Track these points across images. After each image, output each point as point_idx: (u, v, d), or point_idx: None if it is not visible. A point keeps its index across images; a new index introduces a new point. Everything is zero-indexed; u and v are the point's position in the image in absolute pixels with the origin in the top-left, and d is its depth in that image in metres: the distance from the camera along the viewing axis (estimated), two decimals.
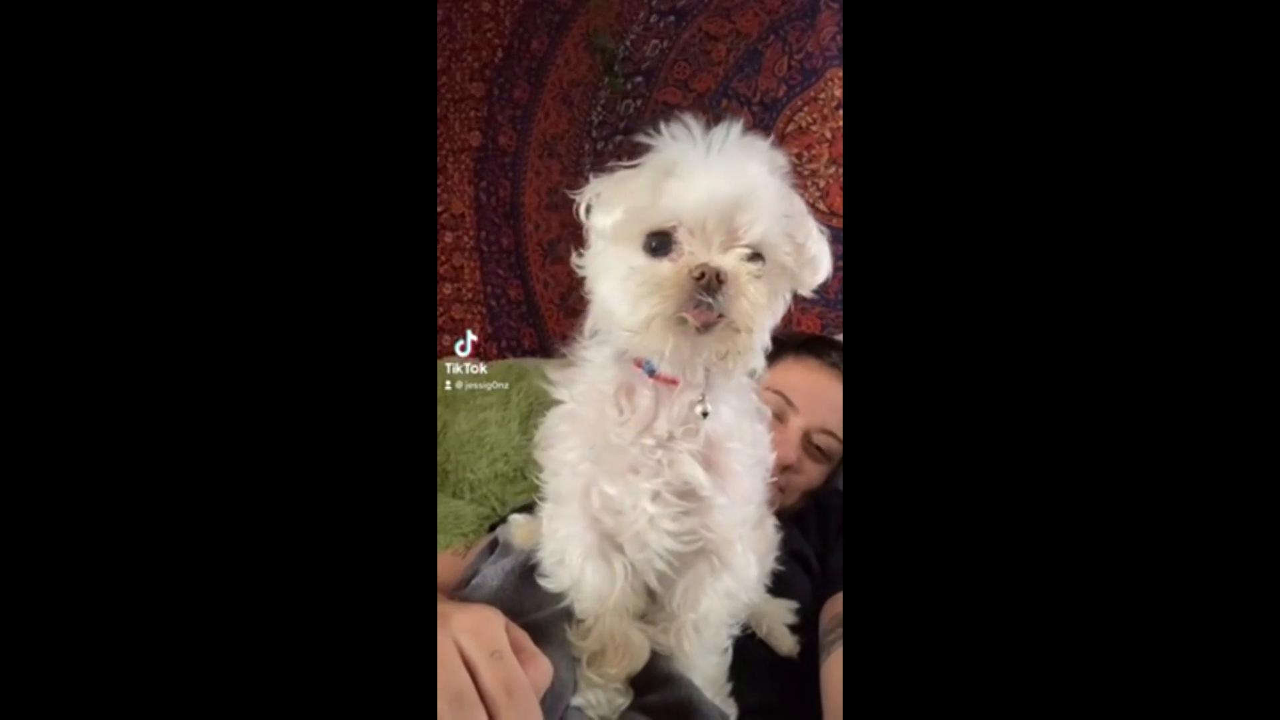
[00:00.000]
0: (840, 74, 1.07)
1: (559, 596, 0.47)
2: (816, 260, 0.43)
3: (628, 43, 1.21)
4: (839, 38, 1.07)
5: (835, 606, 0.55)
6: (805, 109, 1.10)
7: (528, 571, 0.50)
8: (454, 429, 0.99)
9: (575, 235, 0.45)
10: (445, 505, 0.93)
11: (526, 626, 0.37)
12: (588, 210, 0.43)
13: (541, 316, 1.32)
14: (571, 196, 0.44)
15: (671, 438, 0.43)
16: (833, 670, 0.49)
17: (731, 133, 0.40)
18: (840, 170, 1.08)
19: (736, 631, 0.49)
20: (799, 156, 1.10)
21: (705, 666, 0.47)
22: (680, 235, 0.40)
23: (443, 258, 1.39)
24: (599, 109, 1.23)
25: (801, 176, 1.10)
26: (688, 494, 0.43)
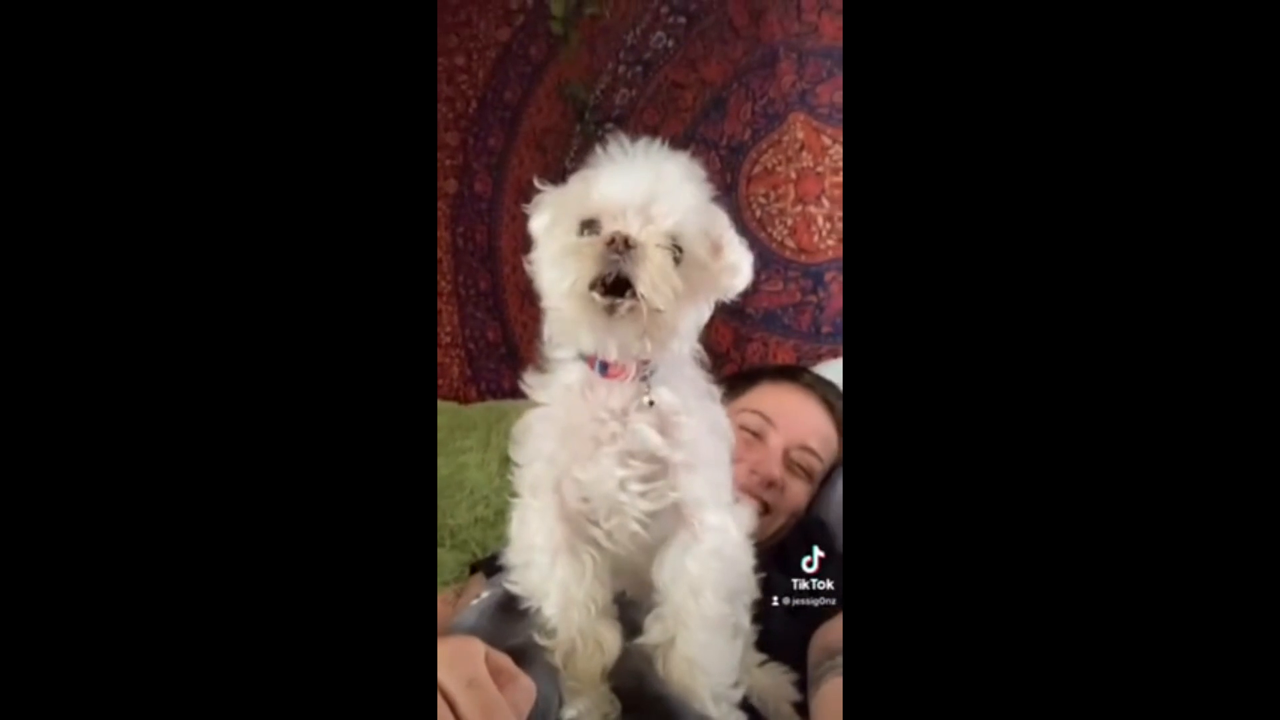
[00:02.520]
0: (802, 118, 1.12)
1: (537, 623, 0.48)
2: (735, 265, 0.48)
3: (598, 92, 1.25)
4: (798, 85, 1.12)
5: (823, 638, 0.55)
6: (770, 151, 1.14)
7: (504, 605, 0.50)
8: None
9: None
10: None
11: (506, 652, 0.37)
12: (532, 215, 0.50)
13: (521, 358, 1.33)
14: (525, 210, 0.50)
15: (625, 413, 0.47)
16: (825, 701, 0.49)
17: (653, 143, 0.47)
18: (805, 209, 1.12)
19: (736, 620, 0.49)
20: (766, 197, 1.14)
21: (717, 651, 0.47)
22: (604, 222, 0.45)
23: None
24: (572, 155, 1.27)
25: (770, 215, 1.13)
26: (650, 458, 0.46)
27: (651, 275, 0.42)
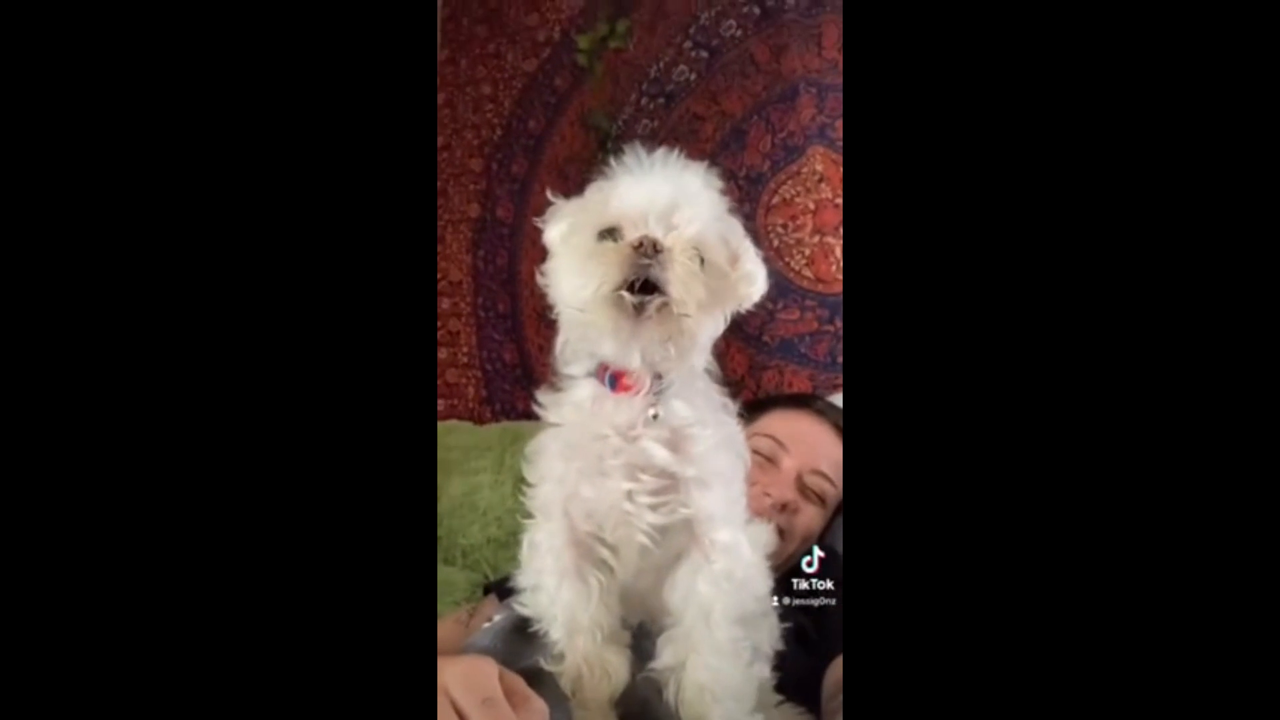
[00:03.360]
0: (821, 151, 1.13)
1: (551, 646, 0.47)
2: (752, 275, 0.48)
3: (620, 122, 1.28)
4: (818, 119, 1.14)
5: (835, 673, 0.54)
6: (789, 183, 1.16)
7: (517, 628, 0.50)
8: (447, 493, 0.99)
9: None
10: (437, 572, 0.91)
11: (519, 673, 0.37)
12: (548, 226, 0.49)
13: (536, 380, 1.34)
14: (538, 224, 0.50)
15: (633, 428, 0.45)
16: None
17: (670, 154, 0.47)
18: (823, 239, 1.13)
19: (753, 645, 0.48)
20: (784, 227, 1.15)
21: (728, 676, 0.45)
22: (626, 229, 0.44)
23: (439, 323, 1.42)
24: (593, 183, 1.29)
25: (787, 245, 1.14)
26: (660, 474, 0.45)
27: (682, 279, 0.42)
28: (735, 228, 0.48)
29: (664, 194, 0.44)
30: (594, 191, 0.48)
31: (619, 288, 0.42)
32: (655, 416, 0.45)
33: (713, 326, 0.47)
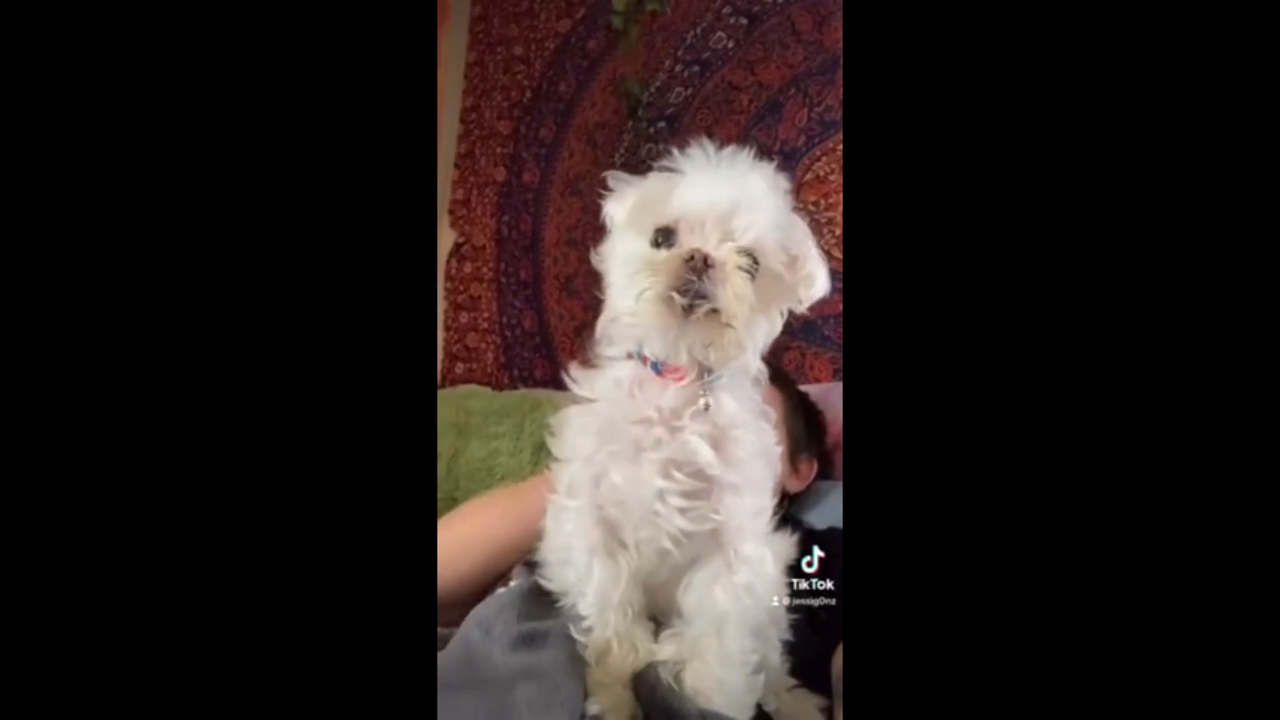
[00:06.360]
0: None
1: (563, 610, 0.48)
2: (813, 276, 0.47)
3: (653, 89, 1.25)
4: None
5: (843, 657, 0.55)
6: (823, 159, 1.13)
7: (533, 592, 0.50)
8: (465, 457, 1.00)
9: (592, 270, 0.50)
10: None
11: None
12: (610, 202, 0.49)
13: (555, 348, 1.34)
14: (602, 193, 0.50)
15: (677, 417, 0.45)
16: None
17: (740, 153, 0.46)
18: None
19: (760, 655, 0.48)
20: (816, 204, 1.13)
21: (731, 687, 0.46)
22: (682, 231, 0.44)
23: (461, 287, 1.42)
24: (622, 151, 1.27)
25: (818, 225, 1.12)
26: (696, 473, 0.45)
27: (730, 295, 0.43)
28: (799, 227, 0.48)
29: (725, 197, 0.44)
30: (659, 179, 0.47)
31: (670, 289, 0.43)
32: (707, 407, 0.45)
33: (765, 327, 0.47)
